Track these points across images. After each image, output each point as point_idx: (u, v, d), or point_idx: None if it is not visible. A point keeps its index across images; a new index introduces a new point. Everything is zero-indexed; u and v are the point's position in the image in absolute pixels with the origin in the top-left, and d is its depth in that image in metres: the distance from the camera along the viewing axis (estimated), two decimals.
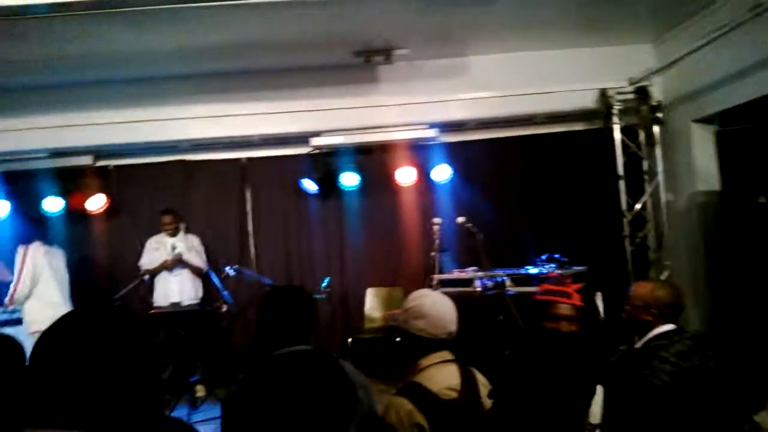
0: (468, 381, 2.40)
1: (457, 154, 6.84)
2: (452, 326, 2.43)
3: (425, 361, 2.38)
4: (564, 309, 3.07)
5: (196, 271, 6.49)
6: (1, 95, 6.23)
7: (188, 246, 6.51)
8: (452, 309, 2.47)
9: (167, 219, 6.46)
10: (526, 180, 6.90)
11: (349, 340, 6.55)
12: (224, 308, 6.04)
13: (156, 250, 6.47)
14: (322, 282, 6.50)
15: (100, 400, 1.07)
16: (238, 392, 1.57)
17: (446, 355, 2.42)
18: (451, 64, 6.57)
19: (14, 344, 1.99)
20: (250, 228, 7.22)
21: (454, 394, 2.31)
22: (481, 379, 2.47)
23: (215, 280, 6.16)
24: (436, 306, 2.42)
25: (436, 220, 5.67)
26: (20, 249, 6.04)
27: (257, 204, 7.21)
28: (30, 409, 1.07)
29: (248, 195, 7.20)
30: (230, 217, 7.16)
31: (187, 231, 6.73)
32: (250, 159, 7.14)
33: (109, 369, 1.09)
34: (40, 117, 6.34)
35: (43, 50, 5.29)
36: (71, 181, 6.64)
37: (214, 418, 5.42)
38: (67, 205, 6.53)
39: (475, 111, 6.61)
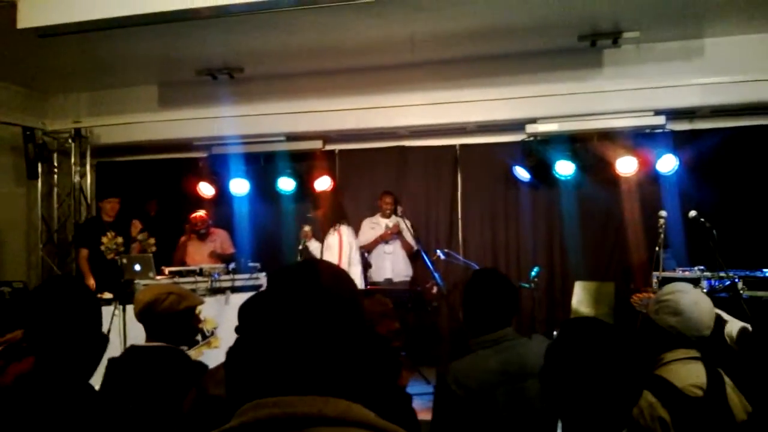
0: (715, 381, 2.27)
1: (685, 143, 6.36)
2: (707, 331, 2.29)
3: (670, 356, 2.28)
4: None
5: (408, 249, 6.73)
6: (243, 83, 6.89)
7: (401, 227, 6.78)
8: (711, 312, 2.32)
9: (389, 200, 6.78)
10: (766, 174, 6.21)
11: (555, 333, 6.39)
12: (435, 289, 6.23)
13: (371, 229, 6.82)
14: (531, 271, 6.43)
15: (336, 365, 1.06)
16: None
17: (693, 352, 2.30)
18: (683, 46, 6.11)
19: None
20: (460, 214, 7.34)
21: (699, 393, 2.20)
22: (729, 381, 2.31)
23: (427, 261, 6.37)
24: (695, 306, 2.29)
25: (662, 213, 5.31)
26: (333, 230, 6.45)
27: (468, 190, 7.30)
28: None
29: (459, 181, 7.32)
30: (441, 202, 7.33)
31: (400, 214, 7.02)
32: (463, 145, 7.24)
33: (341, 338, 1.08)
34: (277, 104, 6.98)
35: (281, 41, 5.80)
36: (302, 163, 7.26)
37: (420, 394, 5.60)
38: (298, 185, 7.13)
39: (710, 97, 6.11)
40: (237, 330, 1.17)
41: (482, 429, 2.26)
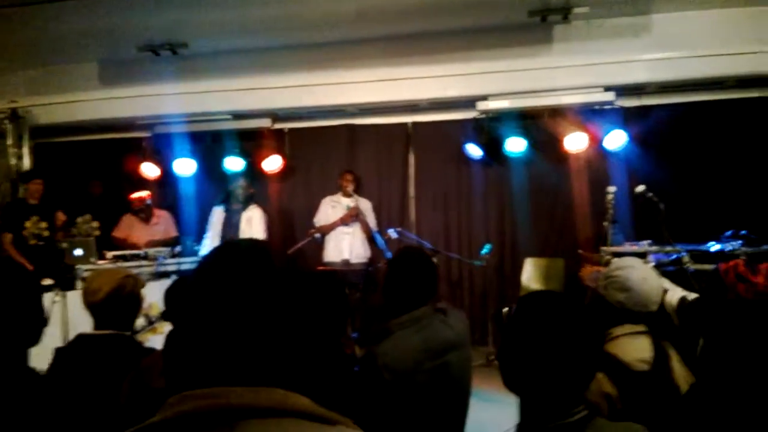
0: (661, 355, 2.26)
1: (633, 119, 6.42)
2: (654, 306, 2.28)
3: (617, 330, 2.27)
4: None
5: (366, 230, 6.64)
6: (188, 60, 6.64)
7: (362, 207, 6.69)
8: (659, 287, 2.32)
9: (350, 177, 6.67)
10: (713, 149, 6.28)
11: (505, 309, 6.42)
12: None
13: (332, 208, 6.69)
14: (483, 248, 6.42)
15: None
16: None
17: (640, 327, 2.29)
18: (632, 22, 6.14)
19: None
20: (412, 192, 7.29)
21: (645, 367, 2.20)
22: (675, 355, 2.32)
23: (379, 241, 6.31)
24: (644, 282, 2.27)
25: (611, 188, 5.35)
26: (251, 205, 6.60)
27: (420, 168, 7.25)
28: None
29: (411, 159, 7.26)
30: (393, 180, 7.26)
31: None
32: (415, 123, 7.17)
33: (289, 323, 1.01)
34: (223, 80, 6.78)
35: (226, 15, 5.62)
36: (250, 142, 7.08)
37: None
38: (247, 165, 6.95)
39: (658, 73, 6.16)
40: (163, 316, 1.08)
41: (408, 409, 2.22)
